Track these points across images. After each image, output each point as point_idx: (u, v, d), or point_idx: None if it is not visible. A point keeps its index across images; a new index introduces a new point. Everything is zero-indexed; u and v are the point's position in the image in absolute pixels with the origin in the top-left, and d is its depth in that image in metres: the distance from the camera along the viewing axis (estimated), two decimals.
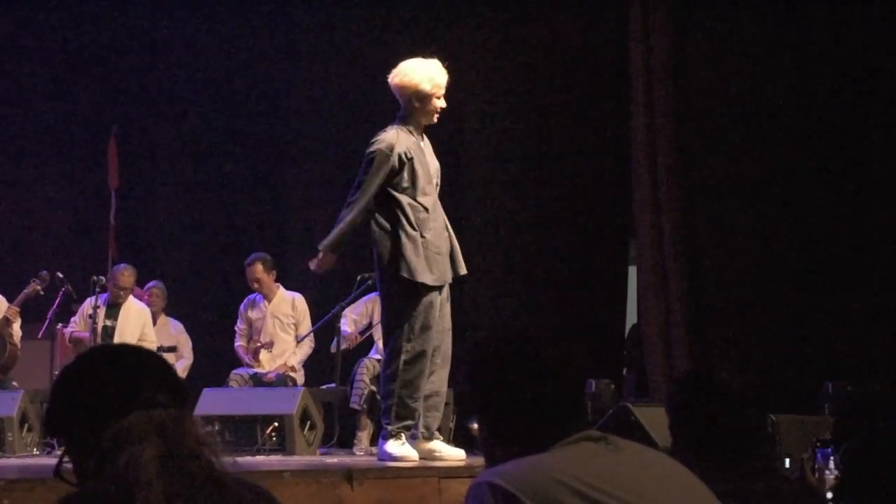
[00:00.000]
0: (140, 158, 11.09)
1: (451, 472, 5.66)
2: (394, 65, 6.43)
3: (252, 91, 11.15)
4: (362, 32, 10.68)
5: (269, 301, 9.52)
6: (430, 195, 6.28)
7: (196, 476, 1.91)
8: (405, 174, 6.21)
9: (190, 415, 2.02)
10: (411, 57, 6.46)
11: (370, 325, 9.17)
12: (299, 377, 9.39)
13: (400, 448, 6.21)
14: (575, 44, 10.17)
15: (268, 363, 9.43)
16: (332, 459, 7.00)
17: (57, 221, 11.14)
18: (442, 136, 10.81)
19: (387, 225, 6.22)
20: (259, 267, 9.44)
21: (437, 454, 6.26)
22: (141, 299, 9.81)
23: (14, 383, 9.45)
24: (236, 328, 9.65)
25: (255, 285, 9.47)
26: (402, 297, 6.21)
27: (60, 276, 9.57)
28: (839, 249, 8.71)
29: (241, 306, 9.62)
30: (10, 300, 9.53)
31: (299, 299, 9.47)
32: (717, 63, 8.92)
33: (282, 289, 9.54)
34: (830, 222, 8.72)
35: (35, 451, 8.79)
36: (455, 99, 10.87)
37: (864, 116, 8.72)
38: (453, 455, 6.33)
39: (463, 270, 6.41)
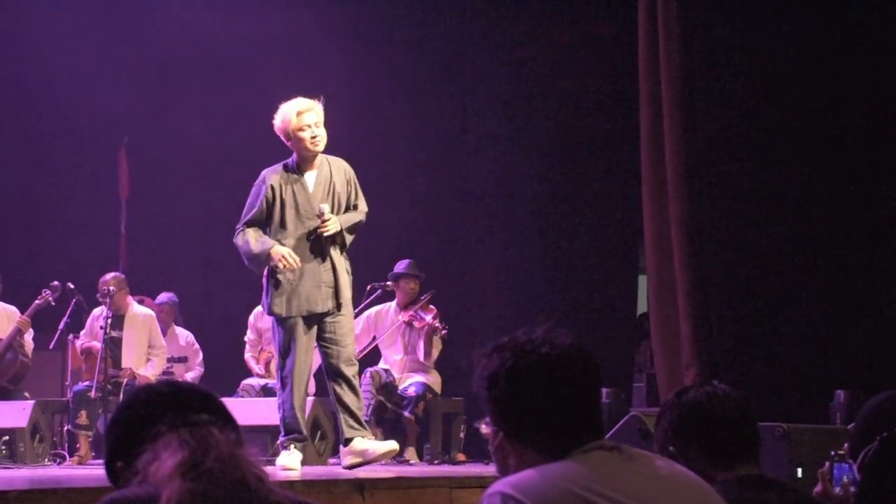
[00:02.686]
0: (151, 169, 11.10)
1: (463, 483, 5.66)
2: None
3: (262, 100, 11.15)
4: (374, 55, 10.73)
5: None
6: (296, 229, 6.74)
7: (218, 481, 1.98)
8: (263, 209, 6.77)
9: (219, 430, 2.11)
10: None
11: (373, 340, 9.24)
12: (310, 387, 9.38)
13: (286, 459, 6.74)
14: (586, 55, 10.24)
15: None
16: (344, 470, 6.99)
17: (68, 232, 11.15)
18: (450, 149, 10.92)
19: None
20: None
21: (369, 452, 6.68)
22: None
23: (26, 394, 9.46)
24: (246, 339, 9.64)
25: None
26: (274, 327, 6.85)
27: (71, 286, 9.58)
28: (850, 258, 8.69)
29: (251, 317, 9.62)
30: (21, 311, 9.55)
31: None
32: (726, 75, 8.92)
33: None
34: (841, 230, 8.71)
35: (46, 462, 8.80)
36: (465, 110, 10.99)
37: (876, 123, 8.70)
38: (384, 448, 6.76)
39: (342, 301, 6.82)
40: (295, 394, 6.79)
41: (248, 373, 9.54)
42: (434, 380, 9.28)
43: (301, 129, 6.70)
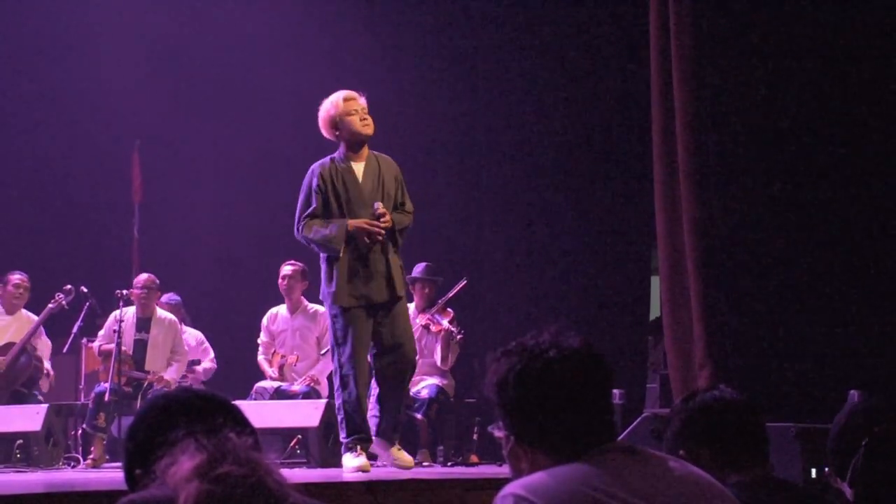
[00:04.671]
0: (163, 172, 11.12)
1: (475, 484, 5.66)
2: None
3: (274, 104, 11.18)
4: (384, 59, 10.74)
5: (292, 313, 9.54)
6: (352, 218, 6.71)
7: (236, 484, 2.01)
8: (319, 201, 6.74)
9: (236, 434, 2.13)
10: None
11: None
12: (322, 389, 9.41)
13: (355, 460, 6.59)
14: (598, 59, 10.24)
15: (291, 375, 9.44)
16: (356, 472, 7.00)
17: (81, 236, 11.17)
18: (462, 155, 10.93)
19: (318, 253, 6.82)
20: (297, 269, 9.45)
21: (387, 457, 6.73)
22: None
23: (40, 398, 9.48)
24: (259, 342, 9.66)
25: (284, 283, 9.47)
26: (333, 319, 6.73)
27: (85, 290, 9.60)
28: (864, 257, 8.67)
29: (264, 320, 9.63)
30: (36, 315, 9.57)
31: (322, 313, 9.46)
32: (739, 77, 8.92)
33: (306, 301, 9.56)
34: (854, 229, 8.68)
35: (60, 465, 8.82)
36: (477, 115, 10.99)
37: (892, 125, 8.68)
38: (402, 461, 6.73)
39: (399, 293, 6.78)
40: (360, 389, 6.63)
41: (261, 375, 9.55)
42: (448, 383, 9.29)
43: (349, 114, 6.78)
